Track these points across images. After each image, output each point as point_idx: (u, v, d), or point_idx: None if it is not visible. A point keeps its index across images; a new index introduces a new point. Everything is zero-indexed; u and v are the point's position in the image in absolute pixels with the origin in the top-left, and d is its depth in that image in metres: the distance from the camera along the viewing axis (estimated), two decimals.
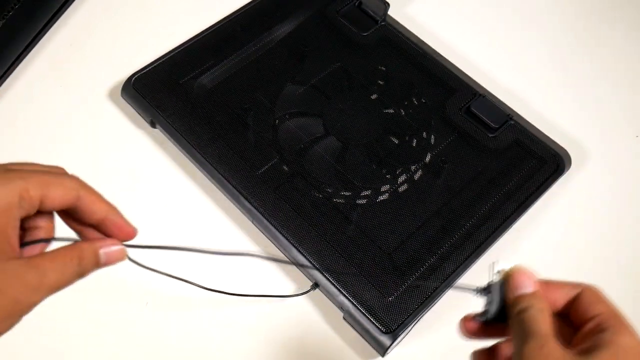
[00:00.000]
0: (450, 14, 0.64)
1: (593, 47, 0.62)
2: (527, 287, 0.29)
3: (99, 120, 0.57)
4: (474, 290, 0.32)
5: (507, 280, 0.30)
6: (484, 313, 0.32)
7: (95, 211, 0.30)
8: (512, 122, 0.54)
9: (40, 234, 0.30)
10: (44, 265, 0.27)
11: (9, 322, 0.27)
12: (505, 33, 0.63)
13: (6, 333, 0.27)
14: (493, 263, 0.31)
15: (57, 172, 0.29)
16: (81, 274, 0.29)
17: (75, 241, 0.30)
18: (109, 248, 0.30)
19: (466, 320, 0.33)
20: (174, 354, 0.46)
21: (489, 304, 0.31)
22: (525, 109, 0.55)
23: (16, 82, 0.58)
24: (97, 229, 0.31)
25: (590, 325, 0.28)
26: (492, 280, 0.31)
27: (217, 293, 0.46)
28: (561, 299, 0.30)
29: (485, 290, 0.31)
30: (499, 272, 0.31)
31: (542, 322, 0.27)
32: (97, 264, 0.29)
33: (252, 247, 0.51)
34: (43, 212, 0.29)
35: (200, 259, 0.50)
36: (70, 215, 0.30)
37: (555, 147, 0.53)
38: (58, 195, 0.28)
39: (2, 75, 0.57)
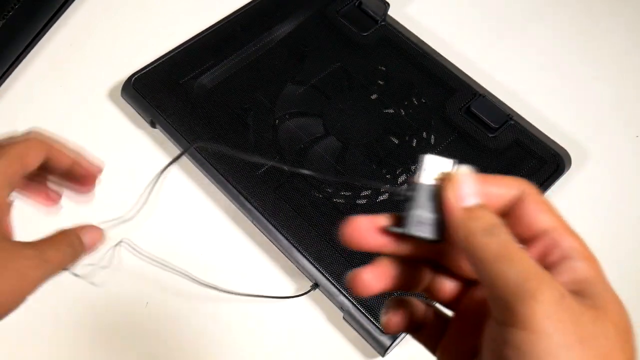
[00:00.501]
0: (450, 14, 0.64)
1: (593, 47, 0.62)
2: (473, 197, 0.22)
3: (99, 120, 0.57)
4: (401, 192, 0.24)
5: (447, 185, 0.23)
6: (401, 221, 0.24)
7: (63, 161, 0.31)
8: (512, 122, 0.54)
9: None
10: (41, 245, 0.28)
11: (15, 298, 0.26)
12: (505, 33, 0.63)
13: (11, 313, 0.27)
14: (424, 156, 0.24)
15: (24, 139, 0.30)
16: (75, 255, 0.29)
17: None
18: (88, 232, 0.31)
19: (366, 226, 0.25)
20: (175, 354, 0.46)
21: (411, 208, 0.23)
22: (525, 109, 0.55)
23: (16, 82, 0.58)
24: (69, 176, 0.32)
25: (548, 251, 0.22)
26: (418, 176, 0.23)
27: (217, 291, 0.46)
28: (497, 202, 0.23)
29: (410, 190, 0.23)
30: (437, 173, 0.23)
31: (527, 256, 0.20)
32: (83, 246, 0.30)
33: (252, 247, 0.51)
34: None
35: (200, 257, 0.50)
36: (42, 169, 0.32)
37: (555, 147, 0.53)
38: (33, 161, 0.30)
39: (2, 75, 0.57)
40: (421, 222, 0.23)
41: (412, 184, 0.24)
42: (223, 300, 0.47)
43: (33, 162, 0.30)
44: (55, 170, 0.32)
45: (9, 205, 0.29)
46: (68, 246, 0.29)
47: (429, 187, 0.23)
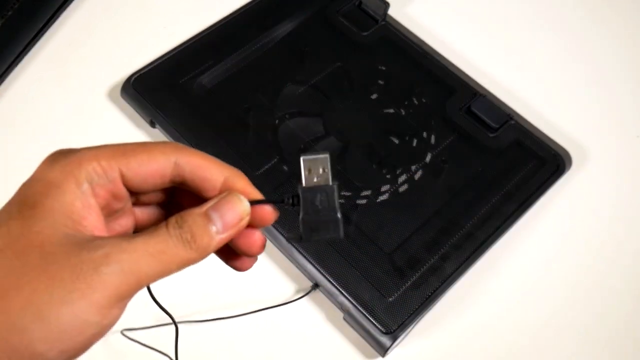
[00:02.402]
0: (451, 13, 0.64)
1: (593, 47, 0.62)
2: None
3: (98, 120, 0.57)
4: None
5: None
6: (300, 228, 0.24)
7: (206, 178, 0.24)
8: (513, 122, 0.54)
9: (123, 220, 0.26)
10: (136, 239, 0.22)
11: (120, 304, 0.22)
12: (505, 33, 0.63)
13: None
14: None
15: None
16: (191, 248, 0.23)
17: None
18: (225, 207, 0.24)
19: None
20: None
21: (305, 214, 0.24)
22: (525, 109, 0.55)
23: (15, 82, 0.58)
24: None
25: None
26: (301, 180, 0.24)
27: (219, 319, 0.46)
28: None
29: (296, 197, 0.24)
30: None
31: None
32: (211, 232, 0.23)
33: None
34: (138, 194, 0.25)
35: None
36: (184, 200, 0.26)
37: (556, 147, 0.53)
38: (142, 162, 0.24)
39: (2, 75, 0.57)
40: (317, 226, 0.23)
41: (297, 190, 0.24)
42: (224, 302, 0.47)
43: (146, 163, 0.24)
44: (199, 194, 0.25)
45: (85, 193, 0.23)
46: (178, 234, 0.23)
47: (314, 188, 0.23)
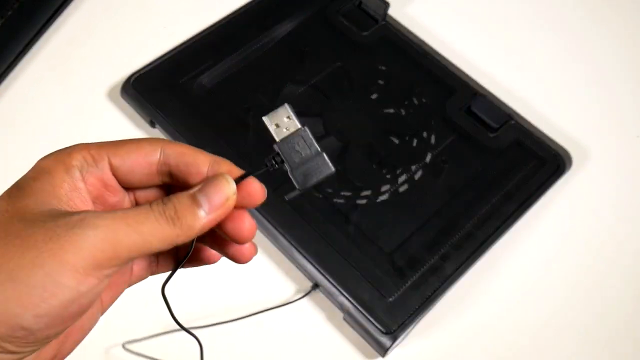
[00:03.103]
0: (451, 13, 0.64)
1: (593, 47, 0.62)
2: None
3: (98, 120, 0.57)
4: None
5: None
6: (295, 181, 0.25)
7: (189, 162, 0.25)
8: (513, 122, 0.54)
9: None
10: (115, 211, 0.22)
11: (112, 264, 0.22)
12: (505, 33, 0.63)
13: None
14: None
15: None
16: (174, 224, 0.23)
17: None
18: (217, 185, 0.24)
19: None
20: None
21: (290, 166, 0.25)
22: (526, 109, 0.55)
23: (15, 82, 0.58)
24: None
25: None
26: (273, 136, 0.25)
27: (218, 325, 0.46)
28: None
29: (276, 156, 0.25)
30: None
31: None
32: (195, 211, 0.23)
33: None
34: (132, 189, 0.26)
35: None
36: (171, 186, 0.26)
37: (556, 147, 0.53)
38: (130, 150, 0.24)
39: (2, 75, 0.57)
40: (307, 171, 0.25)
41: (274, 149, 0.24)
42: (224, 303, 0.47)
43: (134, 152, 0.24)
44: (184, 183, 0.25)
45: (73, 177, 0.24)
46: (162, 211, 0.23)
47: (287, 138, 0.24)
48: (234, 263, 0.28)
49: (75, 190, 0.24)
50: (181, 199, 0.24)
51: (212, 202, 0.24)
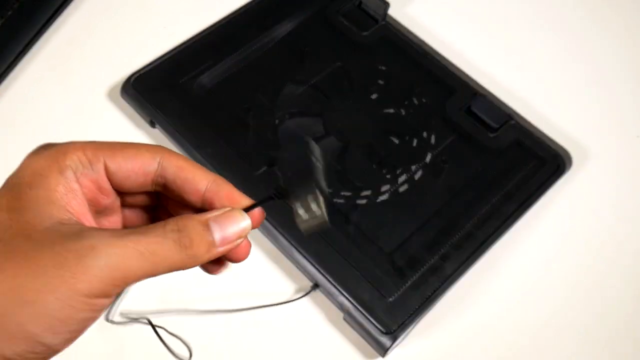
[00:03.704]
0: (451, 13, 0.64)
1: (593, 47, 0.62)
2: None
3: (98, 120, 0.57)
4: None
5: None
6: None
7: (188, 179, 0.25)
8: (513, 122, 0.54)
9: (112, 217, 0.26)
10: (127, 236, 0.22)
11: (115, 287, 0.22)
12: (505, 33, 0.63)
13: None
14: None
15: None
16: (186, 254, 0.23)
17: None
18: (224, 220, 0.24)
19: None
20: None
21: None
22: (526, 109, 0.55)
23: (15, 81, 0.58)
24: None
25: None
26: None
27: (218, 312, 0.46)
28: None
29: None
30: None
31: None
32: (210, 243, 0.24)
33: (252, 247, 0.50)
34: (123, 194, 0.26)
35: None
36: (166, 203, 0.26)
37: (556, 147, 0.53)
38: (128, 157, 0.24)
39: (2, 75, 0.57)
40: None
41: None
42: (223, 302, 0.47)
43: (131, 159, 0.24)
44: (181, 199, 0.25)
45: (68, 180, 0.24)
46: (176, 238, 0.23)
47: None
48: (233, 266, 0.28)
49: (70, 192, 0.24)
50: (196, 227, 0.24)
51: (225, 235, 0.24)
